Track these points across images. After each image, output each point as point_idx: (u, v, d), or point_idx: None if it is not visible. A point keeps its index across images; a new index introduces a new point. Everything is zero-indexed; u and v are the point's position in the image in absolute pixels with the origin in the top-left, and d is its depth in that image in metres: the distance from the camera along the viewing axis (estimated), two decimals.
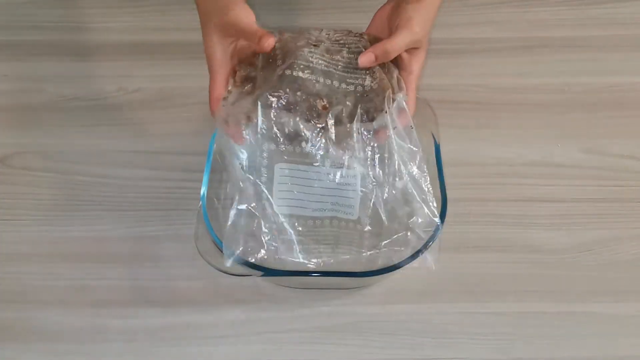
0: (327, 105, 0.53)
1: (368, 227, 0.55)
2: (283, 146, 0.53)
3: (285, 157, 0.53)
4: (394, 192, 0.55)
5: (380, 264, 0.56)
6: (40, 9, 0.92)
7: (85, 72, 0.84)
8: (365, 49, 0.55)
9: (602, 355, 0.59)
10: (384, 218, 0.55)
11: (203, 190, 0.61)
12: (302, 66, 0.54)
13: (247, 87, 0.57)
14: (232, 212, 0.54)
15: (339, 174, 0.53)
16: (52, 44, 0.87)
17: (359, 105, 0.54)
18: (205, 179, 0.62)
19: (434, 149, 0.65)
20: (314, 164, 0.53)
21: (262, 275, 0.57)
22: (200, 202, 0.60)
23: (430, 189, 0.55)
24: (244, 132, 0.54)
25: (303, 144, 0.53)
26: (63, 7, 0.92)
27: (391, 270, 0.58)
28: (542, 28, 0.88)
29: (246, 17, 0.55)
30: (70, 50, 0.86)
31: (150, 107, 0.79)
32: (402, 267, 0.57)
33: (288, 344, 0.60)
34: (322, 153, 0.53)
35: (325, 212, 0.55)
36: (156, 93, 0.81)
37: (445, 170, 0.63)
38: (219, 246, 0.58)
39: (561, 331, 0.60)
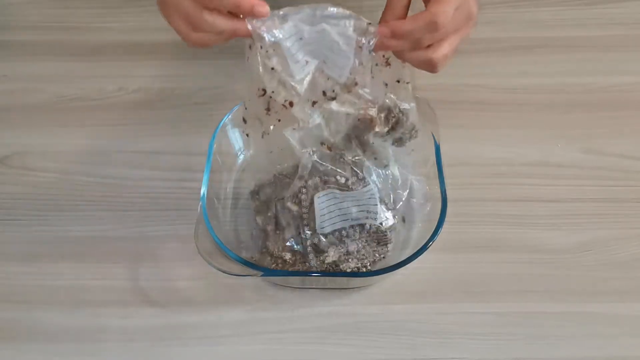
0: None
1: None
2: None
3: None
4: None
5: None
6: (40, 9, 0.92)
7: (85, 72, 0.84)
8: None
9: (602, 355, 0.59)
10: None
11: (203, 190, 0.62)
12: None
13: None
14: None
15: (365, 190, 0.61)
16: (52, 44, 0.87)
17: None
18: (205, 179, 0.62)
19: (434, 149, 0.65)
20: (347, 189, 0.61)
21: (262, 275, 0.57)
22: (200, 202, 0.60)
23: None
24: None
25: (338, 177, 0.61)
26: (63, 7, 0.93)
27: (391, 270, 0.58)
28: (542, 28, 0.88)
29: None
30: (70, 50, 0.86)
31: (150, 107, 0.79)
32: (402, 267, 0.57)
33: (288, 344, 0.60)
34: (352, 180, 0.61)
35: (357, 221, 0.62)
36: (156, 93, 0.81)
37: (445, 170, 0.63)
38: (219, 246, 0.58)
39: (561, 331, 0.60)
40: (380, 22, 0.52)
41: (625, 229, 0.67)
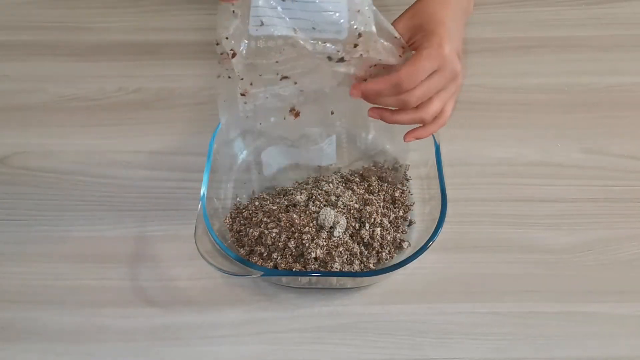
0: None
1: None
2: None
3: None
4: None
5: None
6: (40, 9, 0.93)
7: (85, 72, 0.84)
8: None
9: (602, 355, 0.59)
10: None
11: (203, 190, 0.62)
12: None
13: None
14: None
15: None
16: (52, 44, 0.87)
17: None
18: (205, 179, 0.62)
19: (434, 149, 0.65)
20: None
21: (262, 275, 0.57)
22: (200, 202, 0.60)
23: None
24: None
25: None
26: (63, 7, 0.93)
27: (391, 270, 0.58)
28: (542, 28, 0.88)
29: None
30: (70, 50, 0.87)
31: (150, 107, 0.79)
32: (402, 267, 0.57)
33: (288, 344, 0.60)
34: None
35: None
36: (156, 93, 0.81)
37: (445, 170, 0.63)
38: (219, 246, 0.58)
39: (561, 331, 0.60)
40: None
41: (625, 229, 0.67)
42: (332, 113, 0.62)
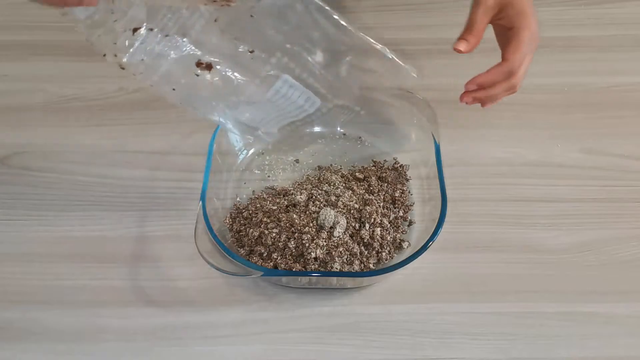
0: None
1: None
2: None
3: None
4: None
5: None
6: (40, 9, 0.92)
7: (85, 72, 0.84)
8: None
9: (602, 355, 0.59)
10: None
11: (203, 190, 0.62)
12: None
13: None
14: None
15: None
16: (52, 44, 0.87)
17: None
18: (205, 179, 0.62)
19: (434, 149, 0.65)
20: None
21: (262, 275, 0.57)
22: (200, 202, 0.60)
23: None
24: None
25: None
26: None
27: (391, 270, 0.58)
28: (542, 28, 0.88)
29: None
30: (70, 50, 0.87)
31: (150, 107, 0.79)
32: (402, 267, 0.57)
33: (288, 344, 0.60)
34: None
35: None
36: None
37: (445, 170, 0.63)
38: (219, 246, 0.58)
39: (561, 331, 0.60)
40: (468, 83, 0.62)
41: (625, 229, 0.67)
42: (251, 52, 0.54)
